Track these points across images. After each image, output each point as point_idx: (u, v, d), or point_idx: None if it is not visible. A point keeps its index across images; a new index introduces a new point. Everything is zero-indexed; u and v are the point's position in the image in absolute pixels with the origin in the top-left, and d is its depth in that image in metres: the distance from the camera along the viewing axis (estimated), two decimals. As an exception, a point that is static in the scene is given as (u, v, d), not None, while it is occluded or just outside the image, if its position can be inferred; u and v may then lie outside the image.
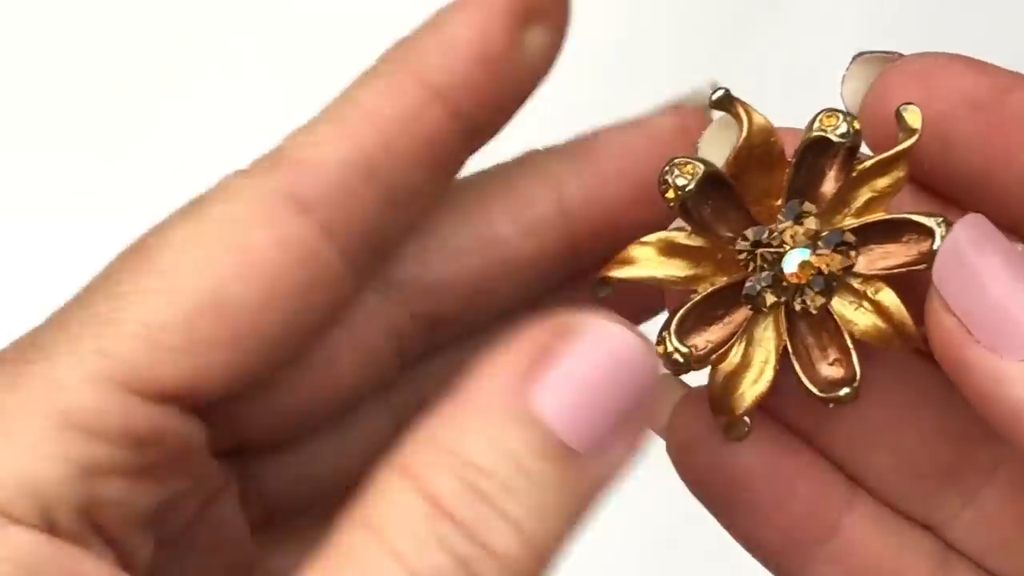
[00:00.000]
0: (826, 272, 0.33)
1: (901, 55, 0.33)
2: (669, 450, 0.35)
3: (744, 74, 0.52)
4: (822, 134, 0.32)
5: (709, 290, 0.33)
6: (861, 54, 0.34)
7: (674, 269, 0.33)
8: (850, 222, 0.33)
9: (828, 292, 0.33)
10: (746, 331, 0.33)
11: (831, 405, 0.33)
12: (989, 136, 0.32)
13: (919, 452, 0.34)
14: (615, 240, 0.34)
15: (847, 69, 0.34)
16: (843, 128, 0.32)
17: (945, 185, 0.33)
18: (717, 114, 0.33)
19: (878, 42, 0.36)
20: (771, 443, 0.34)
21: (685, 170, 0.32)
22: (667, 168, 0.32)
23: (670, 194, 0.32)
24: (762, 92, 0.35)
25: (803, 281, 0.33)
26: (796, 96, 0.36)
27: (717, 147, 0.33)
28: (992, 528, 0.35)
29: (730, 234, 0.33)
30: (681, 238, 0.33)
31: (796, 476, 0.34)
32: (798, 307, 0.33)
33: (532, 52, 0.33)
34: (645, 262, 0.33)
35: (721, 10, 0.63)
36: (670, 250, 0.33)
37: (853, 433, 0.34)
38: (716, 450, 0.34)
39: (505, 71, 0.32)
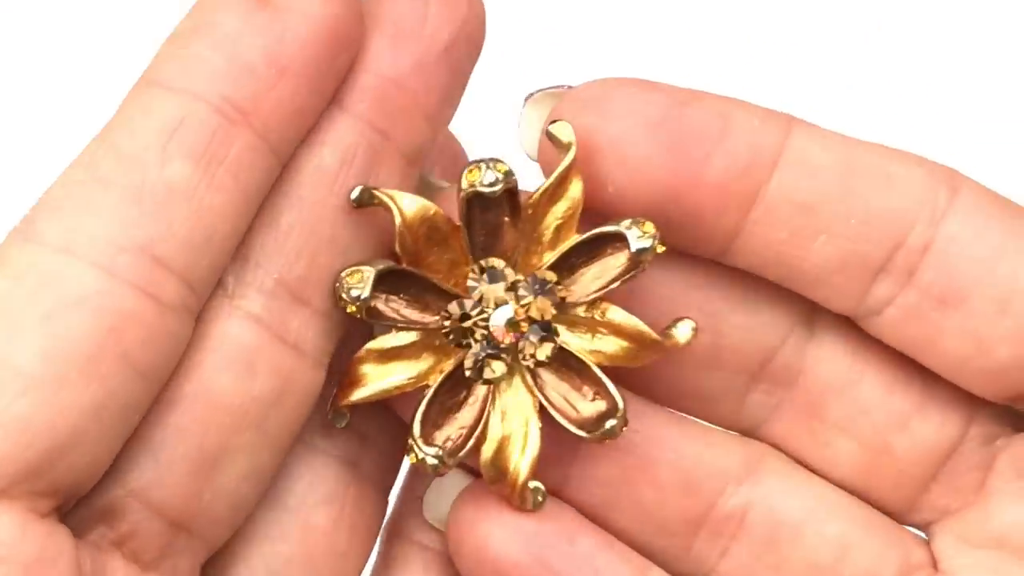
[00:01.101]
0: (538, 318, 0.32)
1: (571, 87, 0.32)
2: (448, 546, 0.34)
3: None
4: (472, 190, 0.31)
5: (440, 379, 0.32)
6: (531, 95, 0.33)
7: (398, 374, 0.32)
8: (548, 257, 0.32)
9: (551, 336, 0.32)
10: (495, 403, 0.32)
11: (606, 442, 0.32)
12: (671, 151, 0.31)
13: (661, 505, 0.33)
14: None
15: (520, 115, 0.33)
16: (489, 177, 0.31)
17: (635, 210, 0.32)
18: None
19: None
20: (544, 534, 0.33)
21: (354, 280, 0.31)
22: (338, 284, 0.31)
23: (350, 309, 0.31)
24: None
25: (519, 336, 0.32)
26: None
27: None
28: None
29: (436, 318, 0.32)
30: (391, 340, 0.32)
31: (572, 568, 0.33)
32: (530, 363, 0.32)
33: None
34: (369, 377, 0.32)
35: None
36: (387, 355, 0.32)
37: (598, 492, 0.33)
38: (487, 548, 0.33)
39: None
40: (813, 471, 0.35)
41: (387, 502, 0.35)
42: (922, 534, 0.35)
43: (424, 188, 0.33)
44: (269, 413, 0.31)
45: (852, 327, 0.33)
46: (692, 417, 0.34)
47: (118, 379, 0.29)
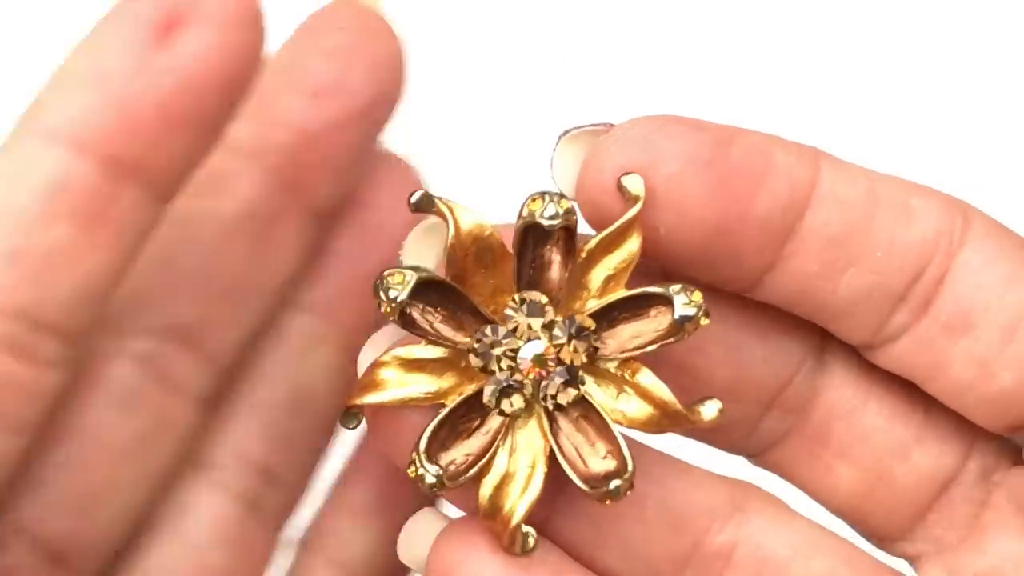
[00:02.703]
0: (567, 361, 0.31)
1: (611, 125, 0.32)
2: None
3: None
4: (531, 220, 0.31)
5: (458, 400, 0.32)
6: (567, 131, 0.32)
7: (417, 385, 0.32)
8: (592, 304, 0.32)
9: (575, 383, 0.32)
10: (507, 438, 0.32)
11: (607, 502, 0.31)
12: (721, 191, 0.31)
13: (647, 543, 0.33)
14: None
15: (554, 150, 0.32)
16: (551, 210, 0.31)
17: (682, 250, 0.32)
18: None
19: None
20: (533, 571, 0.32)
21: (394, 281, 0.30)
22: (378, 281, 0.31)
23: (385, 309, 0.31)
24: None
25: (543, 375, 0.31)
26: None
27: (425, 247, 0.32)
28: None
29: (467, 339, 0.32)
30: (419, 351, 0.32)
31: None
32: (549, 404, 0.32)
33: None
34: (388, 383, 0.32)
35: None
36: (411, 366, 0.32)
37: (584, 528, 0.33)
38: None
39: None
40: (812, 496, 0.35)
41: (278, 540, 0.35)
42: (909, 567, 0.35)
43: None
44: (149, 450, 0.31)
45: (858, 355, 0.34)
46: (694, 448, 0.34)
47: None
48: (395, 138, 0.33)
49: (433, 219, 0.31)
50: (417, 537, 0.34)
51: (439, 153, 0.34)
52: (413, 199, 0.30)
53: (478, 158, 0.34)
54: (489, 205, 0.33)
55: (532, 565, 0.32)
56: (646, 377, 0.32)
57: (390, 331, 0.33)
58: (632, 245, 0.31)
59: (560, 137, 0.32)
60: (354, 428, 0.32)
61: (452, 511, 0.34)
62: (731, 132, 0.31)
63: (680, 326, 0.31)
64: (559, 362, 0.31)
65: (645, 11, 0.58)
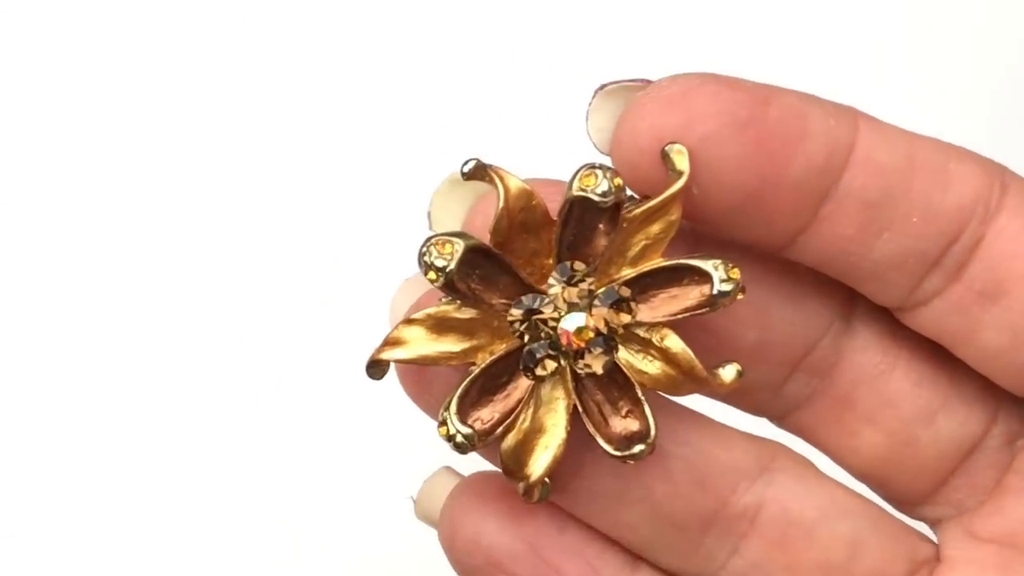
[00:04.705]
0: (605, 332, 0.31)
1: (649, 81, 0.31)
2: (440, 540, 0.34)
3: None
4: (583, 194, 0.30)
5: (489, 360, 0.32)
6: (604, 86, 0.32)
7: (448, 344, 0.31)
8: (627, 272, 0.32)
9: (611, 352, 0.31)
10: (533, 394, 0.32)
11: (629, 462, 0.32)
12: (757, 153, 0.31)
13: (672, 500, 0.33)
14: None
15: (590, 103, 0.32)
16: (603, 187, 0.30)
17: (715, 210, 0.31)
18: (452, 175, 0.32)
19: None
20: (535, 523, 0.33)
21: (443, 250, 0.30)
22: (424, 249, 0.30)
23: (431, 276, 0.30)
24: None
25: (583, 346, 0.31)
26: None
27: (454, 205, 0.32)
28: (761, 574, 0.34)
29: (503, 300, 0.31)
30: (452, 311, 0.31)
31: (562, 556, 0.33)
32: (581, 372, 0.31)
33: None
34: (415, 342, 0.31)
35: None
36: (441, 326, 0.31)
37: (610, 483, 0.33)
38: (480, 538, 0.33)
39: None
40: (834, 459, 0.35)
41: None
42: (928, 529, 0.35)
43: None
44: None
45: (887, 319, 0.33)
46: (719, 410, 0.34)
47: None
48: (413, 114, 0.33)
49: (458, 173, 0.31)
50: (433, 495, 0.34)
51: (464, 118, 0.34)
52: (466, 168, 0.30)
53: (504, 122, 0.34)
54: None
55: (536, 512, 0.33)
56: (673, 341, 0.32)
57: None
58: (672, 217, 0.31)
59: (596, 91, 0.32)
60: (379, 379, 0.32)
61: (467, 469, 0.34)
62: (768, 92, 0.31)
63: (716, 300, 0.31)
64: (597, 332, 0.31)
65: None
